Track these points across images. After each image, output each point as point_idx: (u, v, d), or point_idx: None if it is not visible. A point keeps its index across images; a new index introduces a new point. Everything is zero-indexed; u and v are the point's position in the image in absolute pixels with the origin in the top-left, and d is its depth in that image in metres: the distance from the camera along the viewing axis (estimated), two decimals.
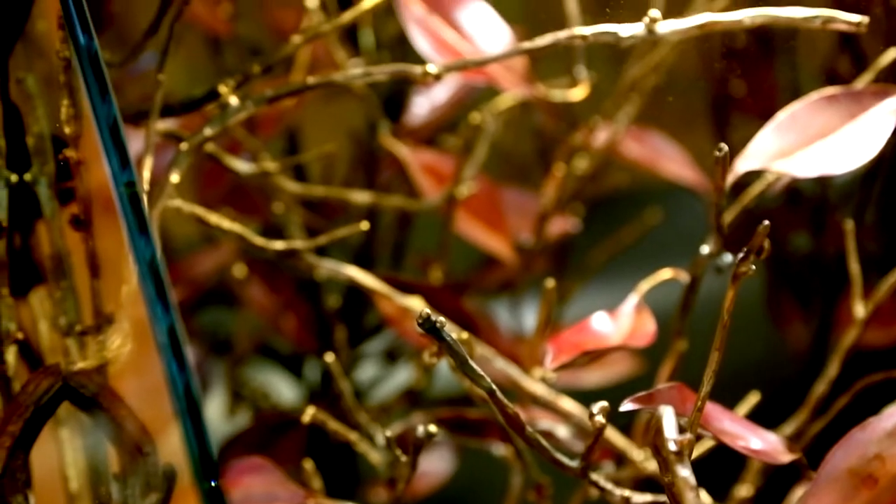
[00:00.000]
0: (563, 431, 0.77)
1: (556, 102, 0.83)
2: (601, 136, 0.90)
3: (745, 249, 0.60)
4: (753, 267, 0.60)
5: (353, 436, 0.75)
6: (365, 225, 0.77)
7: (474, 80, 0.82)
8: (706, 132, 0.95)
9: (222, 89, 0.73)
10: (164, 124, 0.74)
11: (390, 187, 0.96)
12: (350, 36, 0.95)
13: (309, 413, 0.73)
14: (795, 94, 0.70)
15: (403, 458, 0.68)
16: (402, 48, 0.92)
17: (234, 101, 0.72)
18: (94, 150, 0.63)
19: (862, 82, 0.71)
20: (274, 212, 0.91)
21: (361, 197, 0.89)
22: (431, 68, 0.71)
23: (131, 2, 0.87)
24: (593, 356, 0.70)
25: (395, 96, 0.96)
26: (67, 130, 0.65)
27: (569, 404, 0.77)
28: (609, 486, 0.66)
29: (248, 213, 0.95)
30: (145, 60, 0.75)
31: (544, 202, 0.88)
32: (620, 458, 0.77)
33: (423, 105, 0.95)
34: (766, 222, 0.60)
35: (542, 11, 0.79)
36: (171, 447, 0.65)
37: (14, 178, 0.67)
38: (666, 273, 0.74)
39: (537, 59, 0.79)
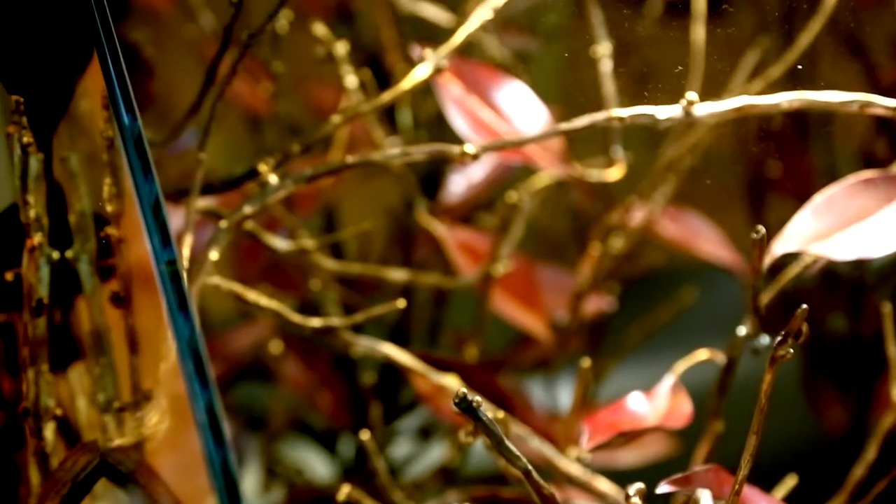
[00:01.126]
0: None
1: (593, 182, 0.84)
2: (637, 216, 0.90)
3: (783, 333, 0.60)
4: (791, 351, 0.60)
5: None
6: (401, 303, 0.77)
7: (511, 159, 0.82)
8: (742, 212, 0.95)
9: (262, 168, 0.73)
10: (204, 202, 0.75)
11: (426, 265, 0.97)
12: (388, 113, 0.95)
13: (344, 490, 0.73)
14: (832, 176, 0.70)
15: None
16: (439, 126, 0.92)
17: (273, 179, 0.73)
18: (135, 226, 0.64)
19: None
20: (311, 288, 0.92)
21: (398, 275, 0.89)
22: (469, 148, 0.72)
23: (172, 80, 0.88)
24: (629, 437, 0.70)
25: (431, 174, 0.97)
26: (109, 208, 0.66)
27: (604, 485, 0.76)
28: None
29: (285, 289, 0.95)
30: (186, 138, 0.76)
31: (580, 280, 0.89)
32: None
33: (459, 183, 0.95)
34: (805, 306, 0.60)
35: (578, 92, 0.80)
36: None
37: (56, 255, 0.68)
38: (702, 354, 0.74)
39: (574, 139, 0.79)
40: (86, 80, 0.68)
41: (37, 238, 0.67)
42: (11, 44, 0.68)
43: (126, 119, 0.62)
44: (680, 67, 0.73)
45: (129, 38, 0.86)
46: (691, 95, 0.68)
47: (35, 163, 0.66)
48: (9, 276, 0.68)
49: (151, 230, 0.62)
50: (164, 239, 0.62)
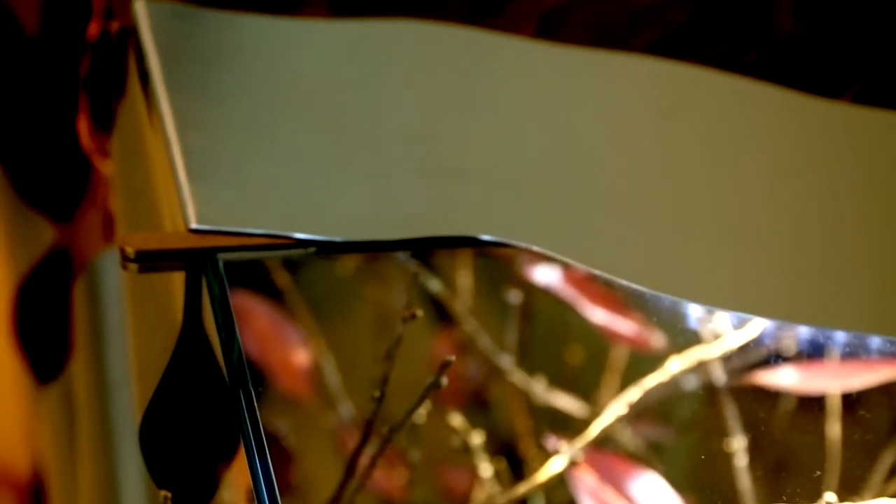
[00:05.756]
0: None
1: None
2: None
3: None
4: None
5: None
6: None
7: None
8: None
9: None
10: None
11: None
12: (521, 499, 0.96)
13: None
14: None
15: None
16: None
17: None
18: None
19: None
20: None
21: None
22: None
23: (312, 468, 0.89)
24: None
25: None
26: None
27: None
28: None
29: None
30: None
31: None
32: None
33: None
34: None
35: (713, 485, 0.80)
36: None
37: None
38: None
39: None
40: (230, 472, 0.69)
41: None
42: (162, 437, 0.70)
43: None
44: (818, 472, 0.73)
45: (271, 426, 0.88)
46: (830, 497, 0.68)
47: None
48: None
49: None
50: None
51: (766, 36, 0.89)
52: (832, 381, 0.74)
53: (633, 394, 0.77)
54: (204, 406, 0.71)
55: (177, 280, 0.73)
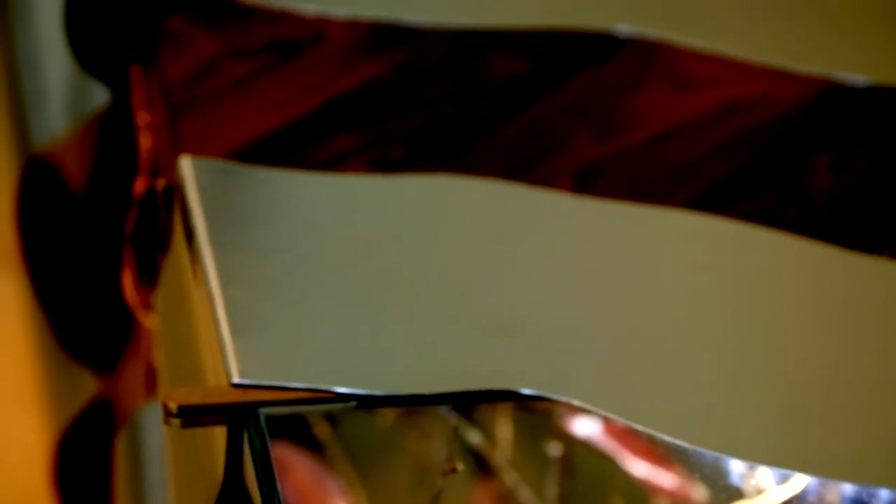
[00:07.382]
0: None
1: None
2: None
3: None
4: None
5: None
6: None
7: None
8: None
9: None
10: None
11: None
12: None
13: None
14: None
15: None
16: None
17: None
18: None
19: None
20: None
21: None
22: None
23: None
24: None
25: None
26: None
27: None
28: None
29: None
30: None
31: None
32: None
33: None
34: None
35: None
36: None
37: None
38: None
39: None
40: None
41: None
42: None
43: None
44: None
45: None
46: None
47: None
48: None
49: None
50: None
51: (805, 192, 0.90)
52: None
53: None
54: None
55: (218, 434, 0.73)
